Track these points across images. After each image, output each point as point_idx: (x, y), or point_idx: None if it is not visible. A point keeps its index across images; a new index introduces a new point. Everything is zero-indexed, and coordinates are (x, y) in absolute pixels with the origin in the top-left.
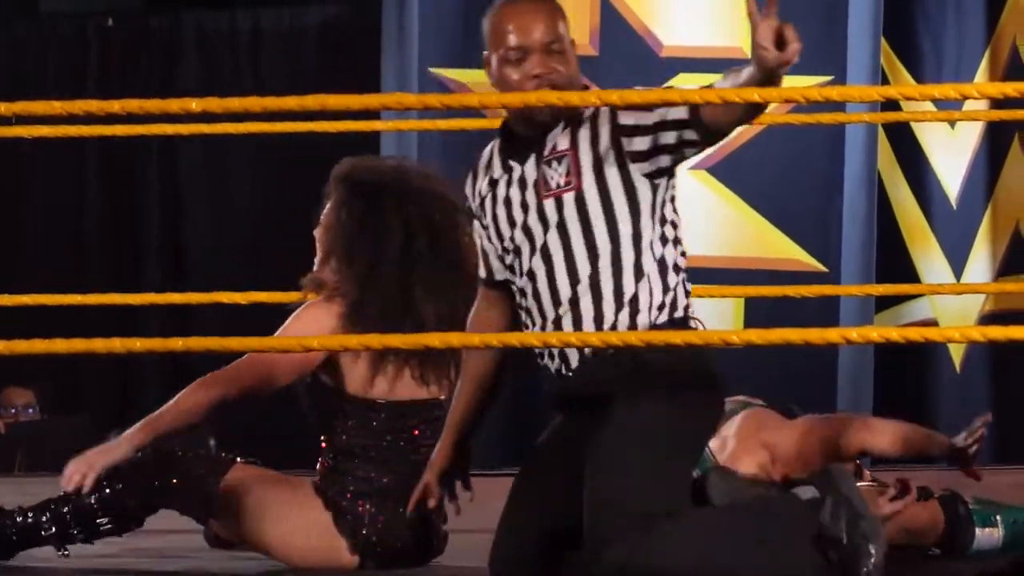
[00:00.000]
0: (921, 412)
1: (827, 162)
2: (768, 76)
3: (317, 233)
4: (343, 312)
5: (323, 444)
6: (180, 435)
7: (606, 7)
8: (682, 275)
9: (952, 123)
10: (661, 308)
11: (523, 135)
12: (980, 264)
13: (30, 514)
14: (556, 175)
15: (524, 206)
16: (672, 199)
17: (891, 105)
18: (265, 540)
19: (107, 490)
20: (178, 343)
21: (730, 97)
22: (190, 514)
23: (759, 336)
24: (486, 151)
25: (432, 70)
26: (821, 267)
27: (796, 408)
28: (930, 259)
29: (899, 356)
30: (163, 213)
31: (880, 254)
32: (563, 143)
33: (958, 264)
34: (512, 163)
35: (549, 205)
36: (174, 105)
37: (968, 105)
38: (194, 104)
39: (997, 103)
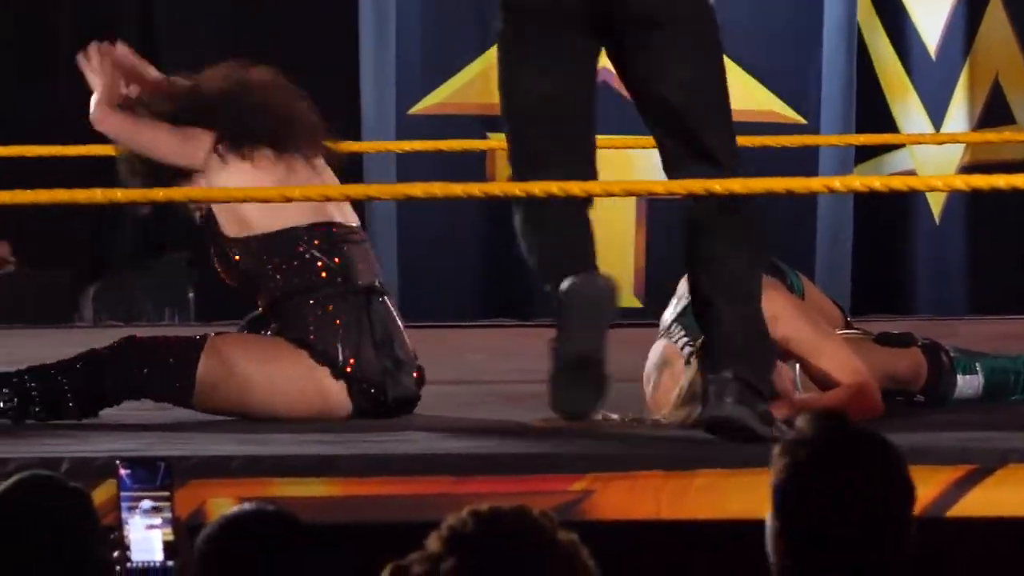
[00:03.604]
0: (900, 265)
1: (806, 13)
2: None
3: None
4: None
5: (260, 307)
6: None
7: None
8: None
9: None
10: None
11: None
12: (959, 116)
13: None
14: None
15: None
16: None
17: None
18: (254, 407)
19: (81, 374)
20: (159, 193)
21: None
22: (167, 402)
23: (742, 185)
24: None
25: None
26: (801, 119)
27: (786, 268)
28: (909, 111)
29: (878, 210)
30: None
31: (859, 107)
32: None
33: (937, 116)
34: None
35: None
36: None
37: None
38: None
39: None
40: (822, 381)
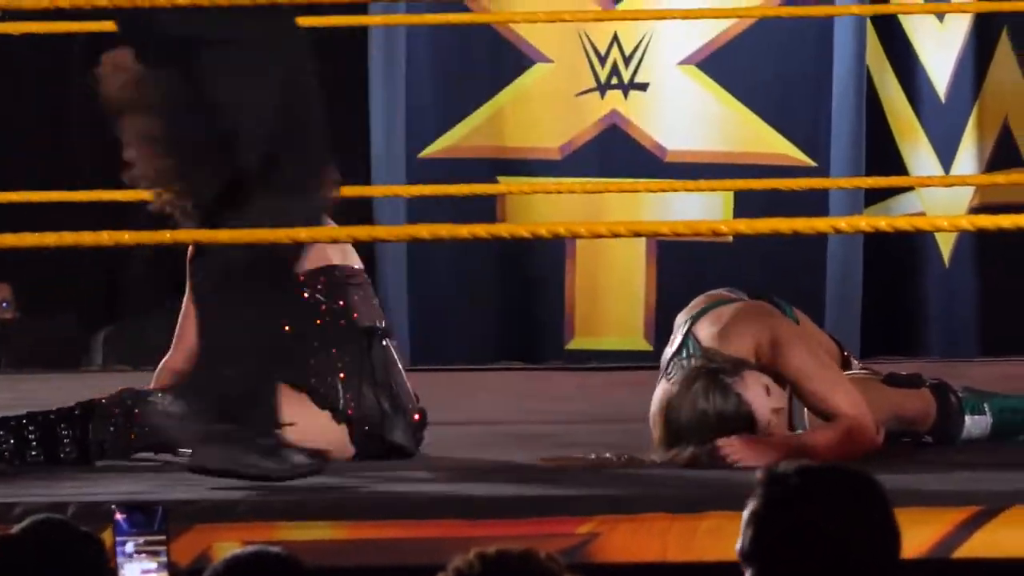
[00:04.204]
0: (910, 308)
1: (816, 57)
2: None
3: None
4: None
5: None
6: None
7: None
8: None
9: (940, 16)
10: None
11: None
12: (968, 159)
13: None
14: None
15: None
16: None
17: None
18: None
19: (79, 421)
20: (166, 235)
21: None
22: (167, 452)
23: (747, 226)
24: None
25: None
26: (810, 162)
27: (782, 302)
28: (919, 154)
29: (888, 253)
30: None
31: (869, 149)
32: None
33: (947, 159)
34: None
35: None
36: None
37: None
38: None
39: None
40: (818, 409)
